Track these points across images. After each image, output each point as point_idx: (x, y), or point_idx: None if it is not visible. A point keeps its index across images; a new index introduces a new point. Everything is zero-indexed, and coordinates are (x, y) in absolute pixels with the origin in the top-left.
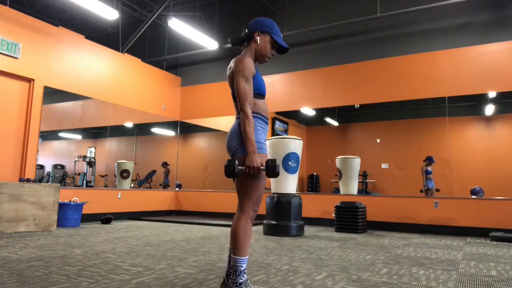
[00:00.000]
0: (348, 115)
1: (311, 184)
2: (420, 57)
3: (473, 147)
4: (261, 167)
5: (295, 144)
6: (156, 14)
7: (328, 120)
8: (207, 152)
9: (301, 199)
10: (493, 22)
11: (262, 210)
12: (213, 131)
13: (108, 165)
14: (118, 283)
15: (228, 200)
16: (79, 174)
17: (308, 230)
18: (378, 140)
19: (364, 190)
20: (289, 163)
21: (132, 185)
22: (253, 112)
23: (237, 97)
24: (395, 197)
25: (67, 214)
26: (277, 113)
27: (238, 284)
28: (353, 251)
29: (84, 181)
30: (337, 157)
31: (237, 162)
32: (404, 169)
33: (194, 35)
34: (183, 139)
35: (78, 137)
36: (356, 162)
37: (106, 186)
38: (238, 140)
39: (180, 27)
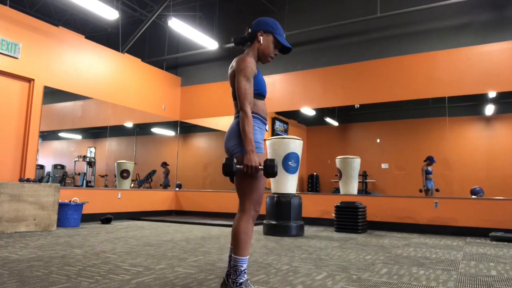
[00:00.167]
0: (348, 115)
1: (311, 184)
2: (420, 57)
3: (473, 147)
4: (259, 167)
5: (295, 144)
6: (156, 14)
7: (328, 120)
8: (207, 152)
9: (301, 199)
10: (493, 22)
11: (262, 210)
12: (213, 131)
13: (108, 165)
14: (118, 283)
15: (228, 200)
16: (79, 174)
17: (308, 230)
18: (378, 140)
19: (364, 190)
20: (289, 163)
21: (132, 185)
22: (252, 112)
23: (237, 96)
24: (395, 197)
25: (67, 214)
26: (277, 113)
27: (238, 284)
28: (353, 251)
29: (84, 181)
30: (337, 157)
31: (235, 161)
32: (404, 169)
33: (194, 35)
34: (183, 139)
35: (78, 137)
36: (356, 162)
37: (106, 186)
38: (236, 139)
39: (180, 27)
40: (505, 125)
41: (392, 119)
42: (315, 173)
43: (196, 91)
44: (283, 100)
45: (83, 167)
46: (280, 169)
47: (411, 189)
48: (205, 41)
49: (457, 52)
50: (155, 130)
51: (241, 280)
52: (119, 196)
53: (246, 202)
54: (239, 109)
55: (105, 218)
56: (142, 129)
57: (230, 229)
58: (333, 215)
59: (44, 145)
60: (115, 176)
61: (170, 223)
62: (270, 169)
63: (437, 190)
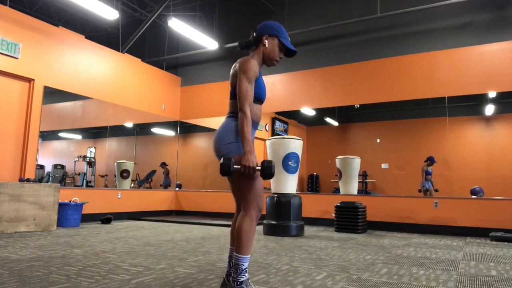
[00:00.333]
0: (348, 115)
1: (311, 184)
2: (420, 57)
3: (473, 147)
4: (257, 167)
5: (295, 144)
6: (156, 14)
7: (328, 120)
8: (207, 152)
9: (301, 199)
10: (493, 22)
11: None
12: (213, 131)
13: (108, 165)
14: (118, 283)
15: (228, 200)
16: (79, 174)
17: (308, 230)
18: (378, 140)
19: (364, 190)
20: (289, 163)
21: (132, 185)
22: None
23: (238, 97)
24: (395, 197)
25: (67, 214)
26: (277, 113)
27: (239, 282)
28: (353, 251)
29: (84, 181)
30: (337, 157)
31: (233, 161)
32: (404, 169)
33: (194, 35)
34: (183, 139)
35: (78, 137)
36: (356, 162)
37: (106, 186)
38: (232, 138)
39: (180, 27)
40: (505, 125)
41: (392, 119)
42: (315, 173)
43: (196, 91)
44: (283, 100)
45: (83, 167)
46: (280, 169)
47: (411, 189)
48: (205, 41)
49: (457, 52)
50: (155, 130)
51: (242, 279)
52: (119, 196)
53: (247, 202)
54: (239, 109)
55: (105, 218)
56: (142, 129)
57: (229, 229)
58: (333, 215)
59: (44, 145)
60: (115, 176)
61: (170, 223)
62: (267, 169)
63: (436, 191)
